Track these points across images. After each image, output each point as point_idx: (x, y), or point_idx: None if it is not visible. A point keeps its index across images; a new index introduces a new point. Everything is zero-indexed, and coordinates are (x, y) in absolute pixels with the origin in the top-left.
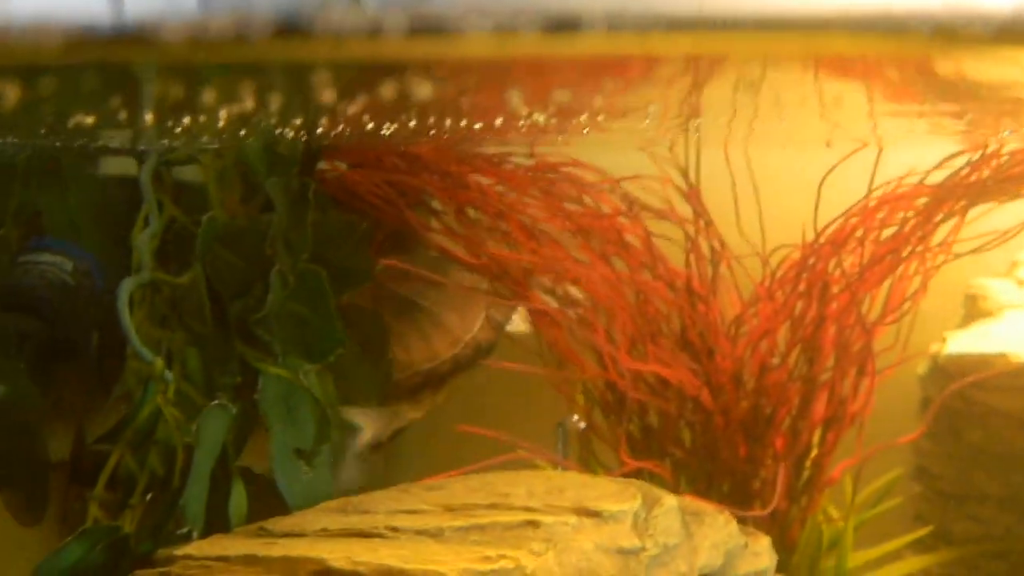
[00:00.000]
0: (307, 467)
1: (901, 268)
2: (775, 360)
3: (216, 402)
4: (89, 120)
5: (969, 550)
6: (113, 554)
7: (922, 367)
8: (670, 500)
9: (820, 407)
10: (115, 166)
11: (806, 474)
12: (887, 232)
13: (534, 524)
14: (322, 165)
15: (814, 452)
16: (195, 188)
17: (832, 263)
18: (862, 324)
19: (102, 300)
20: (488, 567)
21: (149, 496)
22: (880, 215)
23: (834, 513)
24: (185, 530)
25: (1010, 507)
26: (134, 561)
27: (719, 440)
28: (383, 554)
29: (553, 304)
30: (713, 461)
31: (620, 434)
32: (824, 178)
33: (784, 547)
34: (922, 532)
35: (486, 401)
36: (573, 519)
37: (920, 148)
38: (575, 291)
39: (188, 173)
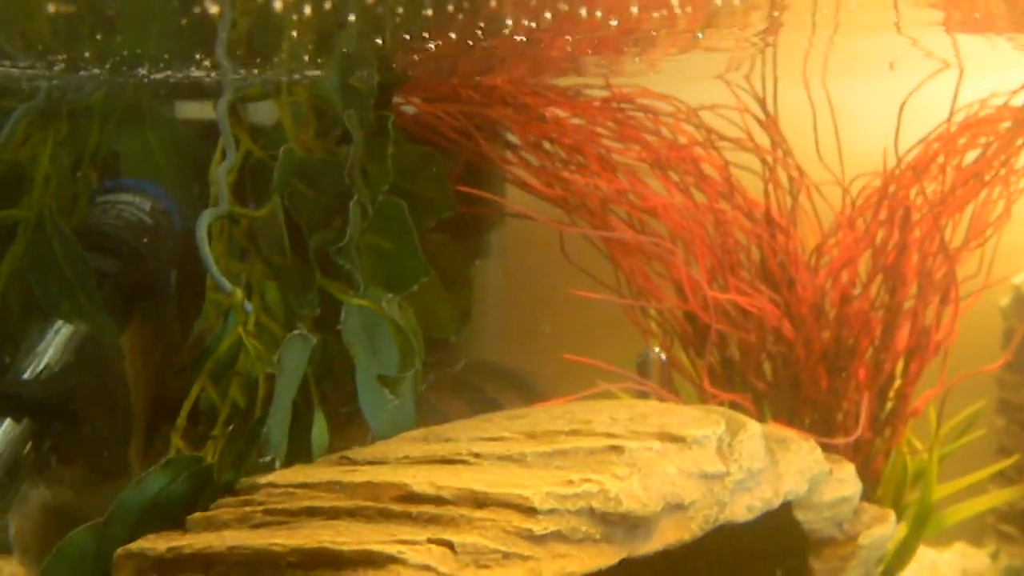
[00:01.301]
0: (392, 395)
1: (984, 193)
2: (857, 290)
3: (297, 332)
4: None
5: None
6: (196, 484)
7: (1005, 299)
8: (754, 426)
9: (903, 337)
10: (192, 110)
11: (889, 405)
12: (969, 157)
13: (617, 449)
14: (398, 100)
15: (897, 383)
16: (270, 128)
17: (913, 190)
18: (945, 251)
19: (180, 239)
20: (572, 490)
21: (231, 427)
22: (962, 140)
23: (918, 445)
24: (268, 459)
25: None
26: (217, 491)
27: (801, 372)
28: (466, 478)
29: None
30: (795, 393)
31: (701, 367)
32: (904, 102)
33: (868, 479)
34: (1006, 464)
35: (566, 336)
36: (656, 444)
37: (1003, 69)
38: (653, 223)
39: (263, 112)
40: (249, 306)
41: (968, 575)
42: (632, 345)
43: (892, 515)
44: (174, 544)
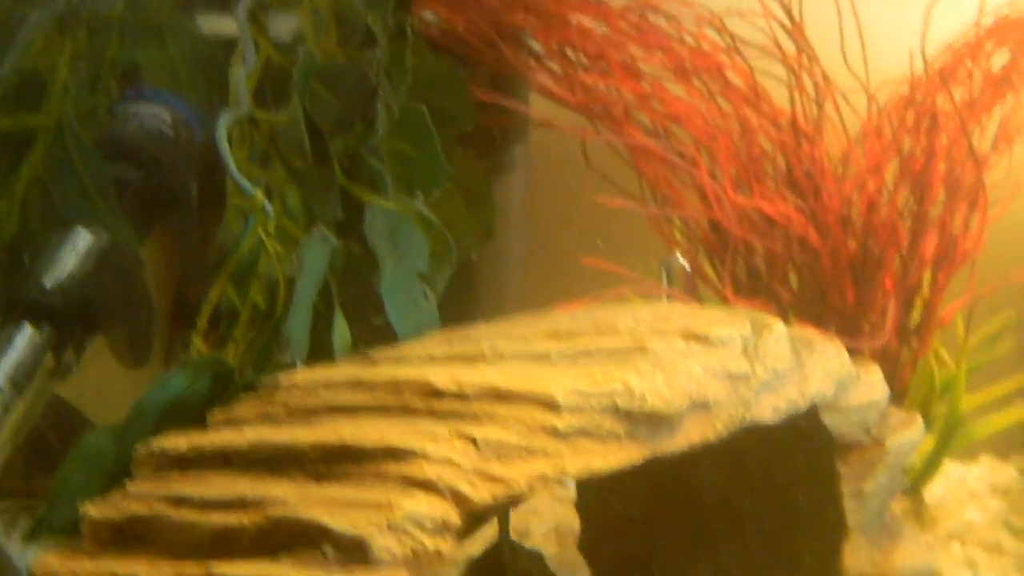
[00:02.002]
0: (428, 292)
1: (1012, 98)
2: (883, 198)
3: (317, 232)
4: None
5: None
6: (217, 384)
7: None
8: (780, 326)
9: (930, 245)
10: (214, 24)
11: (916, 315)
12: (997, 61)
13: (641, 348)
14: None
15: (924, 292)
16: (291, 38)
17: (940, 96)
18: (973, 156)
19: (201, 150)
20: (596, 387)
21: (252, 330)
22: (989, 44)
23: (946, 357)
24: (288, 358)
25: None
26: (238, 390)
27: (827, 282)
28: (489, 375)
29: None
30: (821, 303)
31: (725, 275)
32: (931, 6)
33: (895, 391)
34: None
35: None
36: (681, 343)
37: None
38: (677, 129)
39: (283, 26)
40: (270, 208)
41: (996, 489)
42: (657, 258)
43: (919, 420)
44: (195, 442)
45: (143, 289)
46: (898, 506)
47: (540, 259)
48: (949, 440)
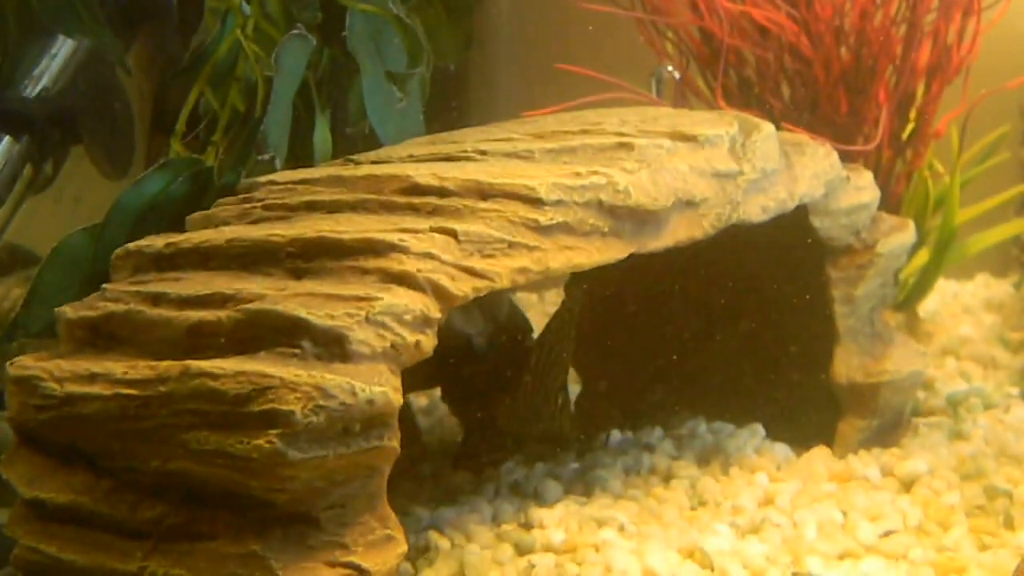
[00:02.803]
0: (400, 94)
1: None
2: (876, 6)
3: (295, 31)
4: None
5: None
6: (196, 186)
7: None
8: (768, 127)
9: (924, 55)
10: None
11: (910, 127)
12: None
13: (627, 146)
14: None
15: (918, 103)
16: None
17: None
18: None
19: None
20: (579, 182)
21: (231, 132)
22: None
23: (940, 169)
24: (267, 156)
25: None
26: (218, 193)
27: (819, 92)
28: (471, 171)
29: None
30: (813, 114)
31: (716, 85)
32: None
33: (889, 204)
34: None
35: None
36: (667, 142)
37: None
38: None
39: None
40: (248, 8)
41: (991, 304)
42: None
43: (911, 224)
44: (173, 241)
45: (124, 99)
46: (892, 320)
47: (530, 69)
48: (943, 254)
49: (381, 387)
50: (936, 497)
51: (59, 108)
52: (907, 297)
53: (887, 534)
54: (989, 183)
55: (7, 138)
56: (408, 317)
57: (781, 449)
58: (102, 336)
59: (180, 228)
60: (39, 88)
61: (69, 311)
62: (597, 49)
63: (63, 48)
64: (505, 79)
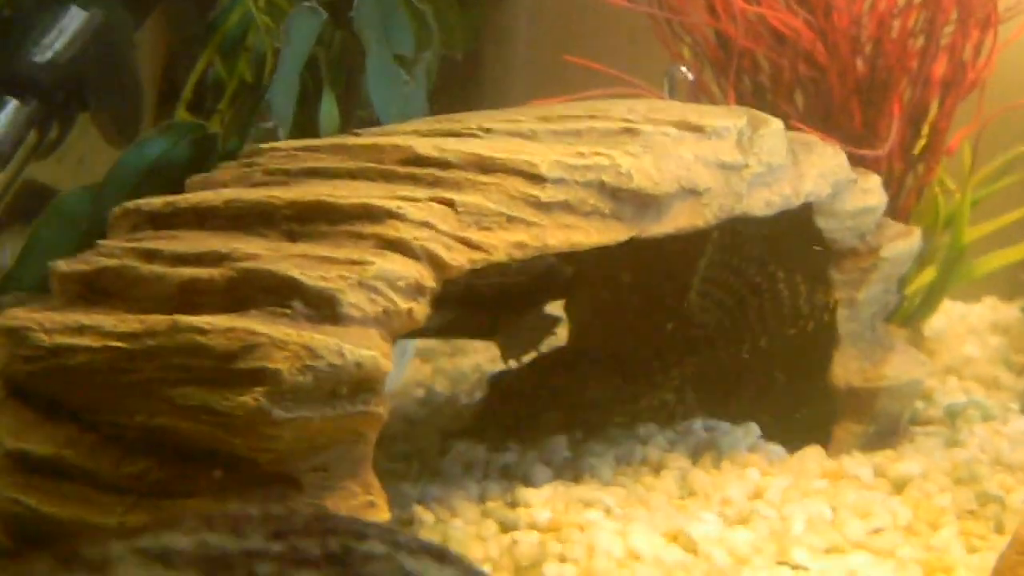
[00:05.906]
0: (407, 76)
1: None
2: (894, 16)
3: (306, 3)
4: None
5: None
6: (199, 150)
7: None
8: (776, 122)
9: (940, 69)
10: None
11: (923, 141)
12: None
13: (632, 132)
14: None
15: (932, 117)
16: None
17: None
18: None
19: None
20: (581, 161)
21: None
22: None
23: (951, 186)
24: (271, 124)
25: None
26: (220, 159)
27: (833, 102)
28: (473, 145)
29: None
30: (826, 122)
31: (729, 88)
32: None
33: (898, 219)
34: None
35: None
36: (673, 131)
37: None
38: None
39: None
40: None
41: (997, 327)
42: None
43: (917, 231)
44: (170, 200)
45: (133, 69)
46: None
47: (544, 68)
48: (950, 272)
49: (370, 351)
50: (927, 499)
51: (68, 74)
52: (912, 314)
53: (876, 531)
54: (1002, 203)
55: (14, 102)
56: (401, 283)
57: (775, 448)
58: (95, 291)
59: (180, 191)
60: (51, 53)
61: (63, 265)
62: (613, 50)
63: (77, 14)
64: (518, 77)
